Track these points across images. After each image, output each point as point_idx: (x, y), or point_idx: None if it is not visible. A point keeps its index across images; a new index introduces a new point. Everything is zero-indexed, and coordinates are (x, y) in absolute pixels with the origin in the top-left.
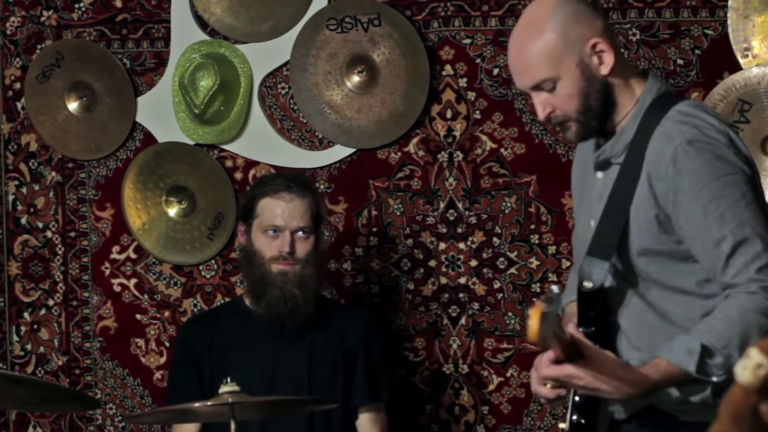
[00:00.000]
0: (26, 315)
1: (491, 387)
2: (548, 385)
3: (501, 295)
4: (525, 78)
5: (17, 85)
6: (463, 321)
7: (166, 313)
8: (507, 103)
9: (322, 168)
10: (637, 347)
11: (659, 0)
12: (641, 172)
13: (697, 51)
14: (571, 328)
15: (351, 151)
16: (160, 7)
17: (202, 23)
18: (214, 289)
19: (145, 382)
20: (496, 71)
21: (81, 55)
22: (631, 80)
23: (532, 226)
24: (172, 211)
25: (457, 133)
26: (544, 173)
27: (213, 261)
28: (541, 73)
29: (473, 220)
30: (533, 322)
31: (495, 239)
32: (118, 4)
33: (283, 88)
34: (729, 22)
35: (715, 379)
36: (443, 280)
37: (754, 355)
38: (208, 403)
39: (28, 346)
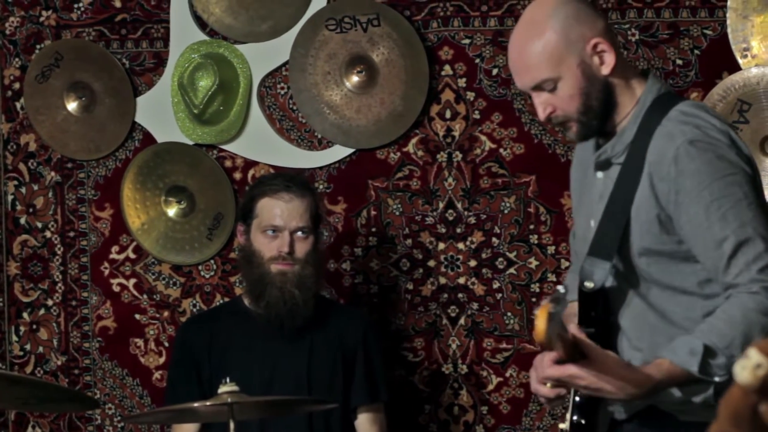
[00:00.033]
0: (25, 315)
1: (490, 387)
2: (548, 385)
3: (500, 295)
4: (526, 78)
5: (16, 85)
6: (462, 321)
7: (165, 313)
8: (506, 103)
9: (321, 168)
10: (637, 348)
11: (658, 0)
12: (642, 172)
13: (696, 51)
14: (573, 328)
15: (350, 151)
16: (160, 7)
17: (202, 23)
18: (214, 289)
19: (144, 382)
20: (495, 71)
21: (80, 55)
22: (631, 80)
23: (532, 226)
24: (172, 211)
25: (457, 133)
26: (544, 173)
27: (212, 261)
28: (542, 74)
29: (472, 220)
30: (540, 323)
31: (494, 239)
32: (117, 4)
33: (282, 88)
34: (728, 22)
35: (717, 379)
36: (442, 280)
37: (753, 355)
38: (208, 403)
39: (27, 346)
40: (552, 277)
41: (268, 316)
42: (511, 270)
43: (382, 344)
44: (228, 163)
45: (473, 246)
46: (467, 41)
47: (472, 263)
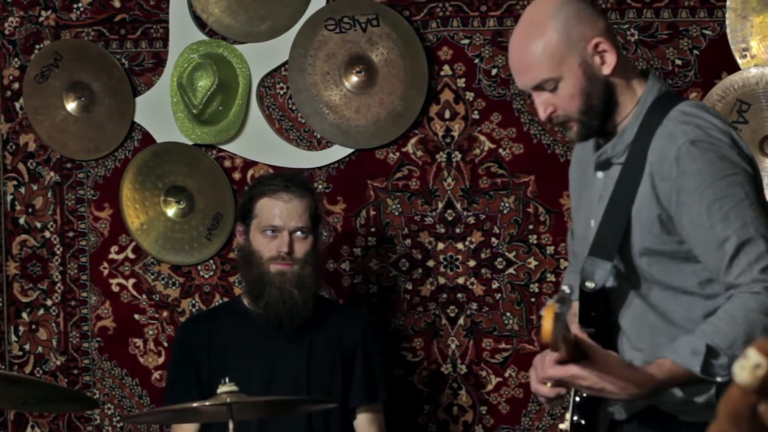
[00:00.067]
0: (24, 315)
1: (489, 387)
2: (548, 384)
3: (499, 295)
4: (527, 78)
5: (16, 85)
6: (461, 321)
7: (165, 313)
8: (505, 103)
9: (320, 168)
10: (638, 348)
11: (657, 0)
12: (643, 172)
13: (695, 51)
14: (575, 329)
15: (349, 151)
16: (159, 7)
17: (201, 23)
18: (213, 289)
19: (144, 382)
20: (494, 71)
21: (79, 55)
22: (632, 80)
23: (531, 227)
24: (171, 211)
25: (456, 134)
26: (543, 173)
27: (211, 261)
28: (543, 73)
29: (471, 220)
30: (547, 323)
31: (493, 239)
32: (117, 4)
33: (281, 88)
34: (727, 22)
35: (719, 379)
36: (441, 281)
37: (752, 355)
38: (207, 403)
39: (27, 346)
40: (551, 277)
41: (268, 316)
42: (510, 270)
43: (381, 344)
44: (227, 163)
45: (472, 246)
46: (466, 41)
47: (472, 263)
